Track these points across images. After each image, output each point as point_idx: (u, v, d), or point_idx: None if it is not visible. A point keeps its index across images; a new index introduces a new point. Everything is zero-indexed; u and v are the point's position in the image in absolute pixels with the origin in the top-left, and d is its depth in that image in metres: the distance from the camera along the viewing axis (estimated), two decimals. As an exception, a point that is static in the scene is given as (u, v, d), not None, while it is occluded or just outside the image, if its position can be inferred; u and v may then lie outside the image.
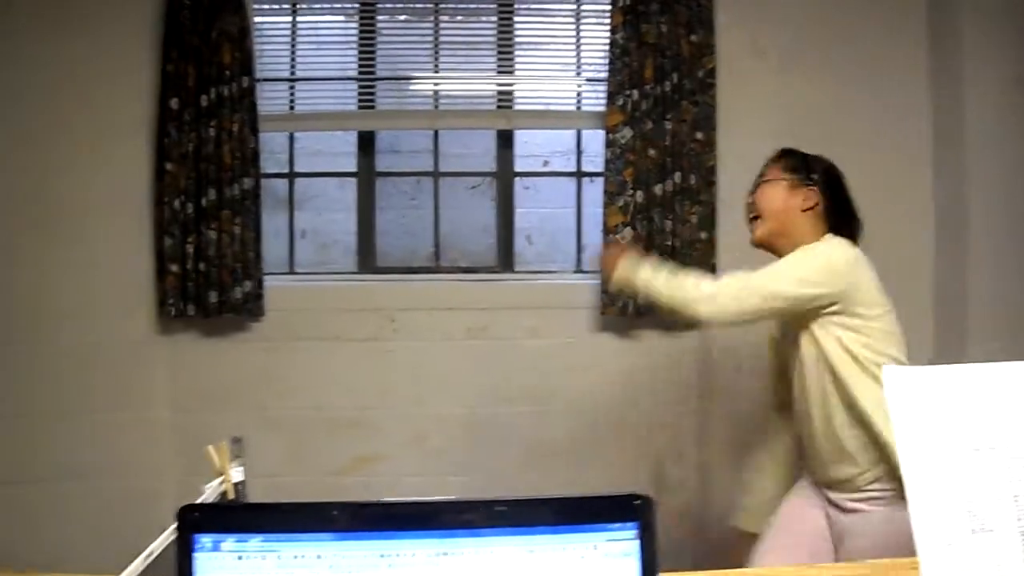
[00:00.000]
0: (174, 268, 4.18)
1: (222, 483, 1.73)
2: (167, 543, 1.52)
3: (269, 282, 4.32)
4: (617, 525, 1.01)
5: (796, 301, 2.68)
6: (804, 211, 2.84)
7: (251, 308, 4.24)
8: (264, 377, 4.36)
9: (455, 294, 4.48)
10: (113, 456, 4.31)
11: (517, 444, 4.37)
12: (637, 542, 1.01)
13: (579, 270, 4.67)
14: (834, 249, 2.74)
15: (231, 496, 1.73)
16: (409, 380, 4.41)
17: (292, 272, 4.63)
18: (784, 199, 2.86)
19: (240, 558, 0.99)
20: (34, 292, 4.29)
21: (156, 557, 1.51)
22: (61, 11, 4.27)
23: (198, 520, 1.01)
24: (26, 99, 4.27)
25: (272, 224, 4.45)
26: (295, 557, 0.99)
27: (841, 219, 2.86)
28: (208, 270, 4.17)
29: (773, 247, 2.90)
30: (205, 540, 1.00)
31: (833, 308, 2.66)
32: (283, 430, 4.28)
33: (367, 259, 4.64)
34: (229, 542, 1.00)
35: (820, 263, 2.70)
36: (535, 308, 4.45)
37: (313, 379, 4.39)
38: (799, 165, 2.90)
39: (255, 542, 0.99)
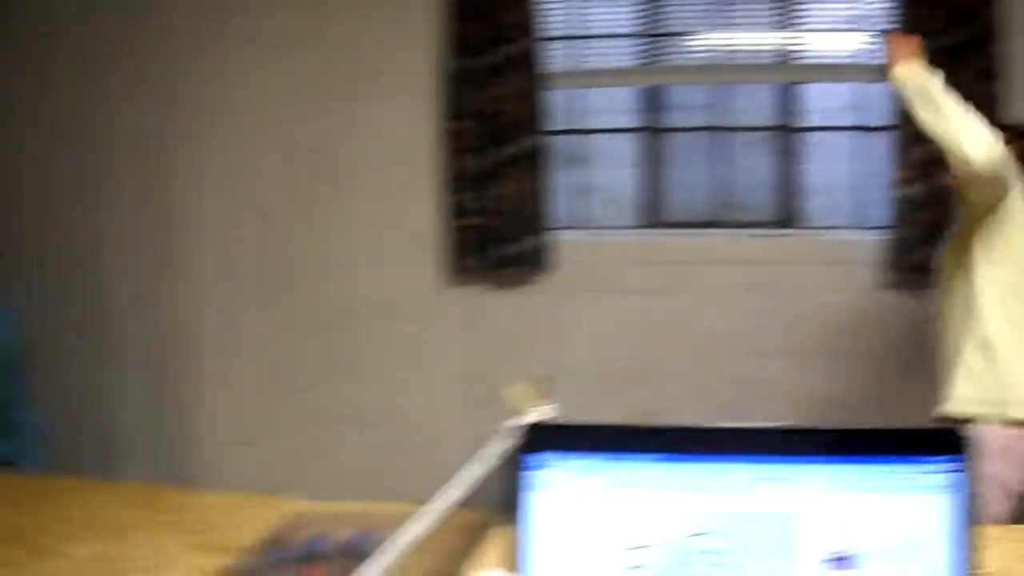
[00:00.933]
0: (463, 223, 4.31)
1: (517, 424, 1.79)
2: (492, 463, 1.60)
3: (556, 236, 4.40)
4: (936, 458, 1.01)
5: None
6: None
7: (538, 261, 4.33)
8: (550, 329, 4.45)
9: (738, 248, 4.45)
10: (400, 404, 4.52)
11: (800, 399, 4.30)
12: (956, 475, 1.01)
13: (863, 226, 4.56)
14: None
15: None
16: (693, 334, 4.41)
17: (579, 227, 4.69)
18: None
19: (573, 475, 1.04)
20: (327, 244, 4.55)
21: (478, 480, 1.58)
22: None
23: (535, 438, 1.07)
24: (315, 57, 4.51)
25: (559, 180, 4.51)
26: (624, 477, 1.03)
27: None
28: (496, 224, 4.29)
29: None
30: (542, 457, 1.05)
31: None
32: (569, 382, 4.32)
33: (651, 214, 4.66)
34: (565, 460, 1.05)
35: None
36: (818, 264, 4.37)
37: (599, 332, 4.45)
38: None
39: (588, 461, 1.04)
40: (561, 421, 1.76)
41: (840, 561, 1.00)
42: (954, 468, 1.01)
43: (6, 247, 4.44)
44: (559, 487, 1.04)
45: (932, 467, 1.01)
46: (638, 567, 1.01)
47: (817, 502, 1.01)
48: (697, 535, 1.01)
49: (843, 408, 4.24)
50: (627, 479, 1.03)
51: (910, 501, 1.00)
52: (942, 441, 1.01)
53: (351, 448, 4.52)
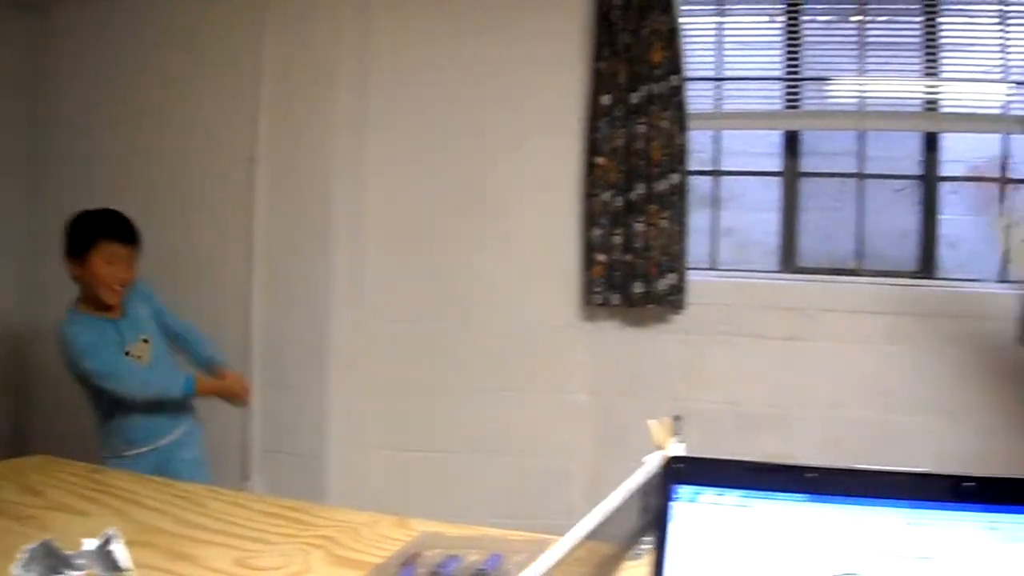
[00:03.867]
0: (601, 258, 4.34)
1: (662, 457, 1.79)
2: (627, 495, 1.60)
3: (692, 276, 4.40)
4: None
5: None
6: None
7: (674, 300, 4.34)
8: (681, 369, 4.45)
9: (875, 297, 4.40)
10: (529, 434, 4.56)
11: (933, 455, 4.23)
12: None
13: (1003, 279, 4.49)
14: None
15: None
16: (825, 382, 4.38)
17: (713, 268, 4.70)
18: None
19: (715, 509, 1.06)
20: (465, 274, 4.62)
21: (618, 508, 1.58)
22: (497, 14, 4.58)
23: (680, 470, 1.08)
24: (464, 95, 4.60)
25: (695, 220, 4.52)
26: (766, 514, 1.04)
27: None
28: (634, 261, 4.31)
29: None
30: (684, 490, 1.07)
31: None
32: (697, 422, 4.30)
33: (788, 258, 4.65)
34: (708, 494, 1.07)
35: None
36: (955, 316, 4.31)
37: (729, 374, 4.44)
38: None
39: (732, 496, 1.06)
40: (707, 456, 1.77)
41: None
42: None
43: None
44: (701, 520, 1.06)
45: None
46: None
47: (961, 548, 1.00)
48: (840, 576, 1.01)
49: (973, 463, 4.16)
50: (772, 516, 1.05)
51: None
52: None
53: (481, 474, 4.56)
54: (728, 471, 1.09)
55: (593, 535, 1.59)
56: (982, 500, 1.01)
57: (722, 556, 1.04)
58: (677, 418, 1.89)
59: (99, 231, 3.47)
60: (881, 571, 1.00)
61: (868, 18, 4.57)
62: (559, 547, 1.41)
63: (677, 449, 1.84)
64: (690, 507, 1.07)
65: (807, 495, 1.04)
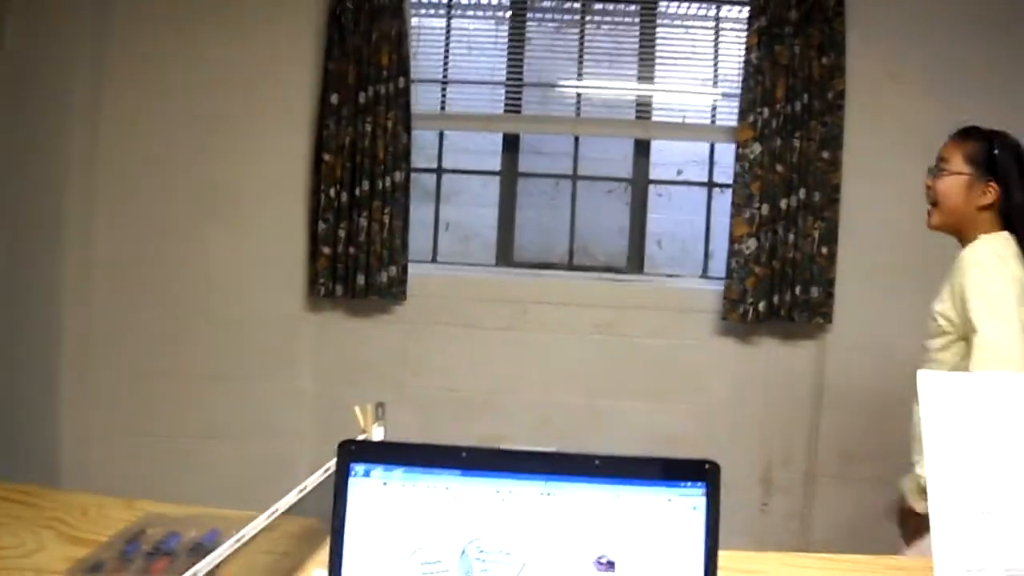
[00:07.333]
0: (326, 251, 4.48)
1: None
2: (326, 475, 1.79)
3: (413, 269, 4.59)
4: (689, 483, 1.22)
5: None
6: (981, 209, 2.67)
7: (395, 292, 4.52)
8: (402, 357, 4.64)
9: (586, 291, 4.69)
10: (258, 420, 4.66)
11: (633, 436, 4.54)
12: (704, 499, 1.23)
13: (705, 275, 4.86)
14: (992, 263, 2.58)
15: (372, 453, 1.96)
16: (537, 369, 4.64)
17: (435, 261, 4.92)
18: (962, 195, 2.69)
19: (384, 484, 1.23)
20: (198, 265, 4.67)
21: (313, 488, 1.76)
22: (234, 12, 4.64)
23: (354, 451, 1.26)
24: (199, 90, 4.64)
25: (418, 215, 4.70)
26: (428, 487, 1.23)
27: (1018, 214, 2.66)
28: (357, 254, 4.46)
29: (948, 233, 2.77)
30: (358, 468, 1.24)
31: None
32: (417, 408, 4.52)
33: (505, 253, 4.90)
34: (377, 471, 1.23)
35: (1000, 290, 2.52)
36: (660, 309, 4.63)
37: (448, 362, 4.65)
38: (982, 156, 2.68)
39: (398, 473, 1.23)
40: (379, 439, 1.95)
41: (607, 564, 1.21)
42: (702, 492, 1.22)
43: None
44: (373, 495, 1.23)
45: (685, 490, 1.22)
46: (438, 562, 1.21)
47: (590, 515, 1.21)
48: (489, 539, 1.22)
49: (672, 444, 4.49)
50: (432, 489, 1.23)
51: (666, 516, 1.21)
52: (694, 470, 1.23)
53: (212, 459, 4.62)
54: (393, 451, 1.24)
55: (300, 511, 1.76)
56: (608, 474, 1.20)
57: (392, 526, 1.20)
58: (380, 404, 2.02)
59: None
60: (525, 535, 1.19)
61: (590, 27, 4.83)
62: (258, 521, 1.58)
63: (378, 433, 1.99)
64: (363, 482, 1.21)
65: (461, 471, 1.21)
